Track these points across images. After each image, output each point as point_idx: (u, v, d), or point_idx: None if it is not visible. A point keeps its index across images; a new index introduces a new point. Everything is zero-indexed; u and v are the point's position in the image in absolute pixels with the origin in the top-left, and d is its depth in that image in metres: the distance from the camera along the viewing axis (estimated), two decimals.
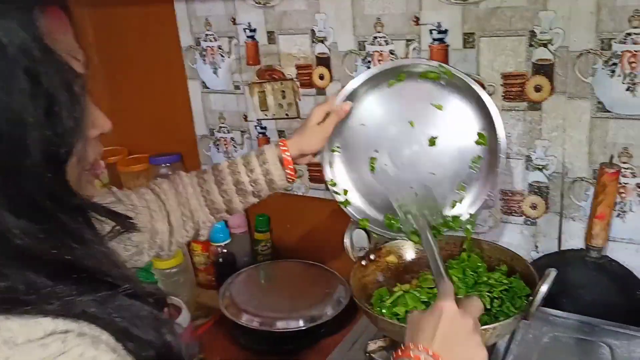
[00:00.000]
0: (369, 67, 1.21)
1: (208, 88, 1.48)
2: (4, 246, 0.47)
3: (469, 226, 1.00)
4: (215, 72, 1.45)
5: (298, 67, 1.32)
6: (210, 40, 1.42)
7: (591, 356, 0.94)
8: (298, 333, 1.22)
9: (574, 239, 1.09)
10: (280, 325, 1.23)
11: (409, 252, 1.11)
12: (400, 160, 1.01)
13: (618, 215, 1.04)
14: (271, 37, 1.33)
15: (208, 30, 1.42)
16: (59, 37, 0.51)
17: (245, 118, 1.45)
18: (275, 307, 1.27)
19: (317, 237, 1.46)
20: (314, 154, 1.02)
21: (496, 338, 0.88)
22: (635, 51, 0.95)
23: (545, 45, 1.02)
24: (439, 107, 0.98)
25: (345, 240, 1.07)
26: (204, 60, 1.45)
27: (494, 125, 0.93)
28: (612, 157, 0.99)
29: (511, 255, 1.03)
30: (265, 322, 1.23)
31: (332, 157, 1.06)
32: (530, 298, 0.86)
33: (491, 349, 0.97)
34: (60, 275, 0.48)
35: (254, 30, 1.35)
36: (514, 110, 1.08)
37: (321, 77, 1.30)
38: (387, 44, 1.18)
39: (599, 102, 1.00)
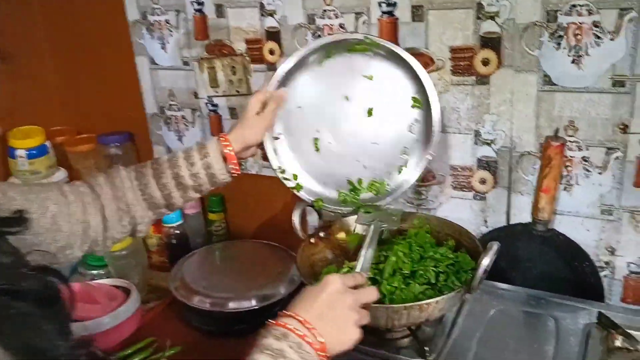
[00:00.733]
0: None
1: (156, 64, 1.43)
2: None
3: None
4: (163, 48, 1.40)
5: (248, 41, 1.28)
6: (158, 14, 1.37)
7: (537, 328, 0.95)
8: (251, 313, 1.21)
9: (522, 213, 1.09)
10: (233, 305, 1.20)
11: (360, 229, 1.10)
12: (342, 136, 1.01)
13: (565, 189, 1.04)
14: (220, 10, 1.28)
15: (155, 3, 1.36)
16: None
17: (196, 95, 1.40)
18: (228, 287, 1.25)
19: (272, 216, 1.44)
20: (258, 145, 1.00)
21: (440, 312, 0.88)
22: (581, 23, 0.94)
23: (492, 18, 1.01)
24: (370, 78, 1.00)
25: (293, 219, 1.06)
26: (152, 35, 1.40)
27: (425, 88, 0.98)
28: (557, 129, 0.99)
29: (459, 230, 1.03)
30: (217, 302, 1.21)
31: (276, 144, 1.04)
32: (474, 271, 0.86)
33: (438, 323, 0.97)
34: None
35: (201, 4, 1.30)
36: (463, 84, 1.07)
37: (271, 52, 1.26)
38: (336, 17, 1.15)
39: (546, 75, 1.00)
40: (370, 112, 1.00)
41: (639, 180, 0.98)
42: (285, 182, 1.05)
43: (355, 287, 0.76)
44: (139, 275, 1.39)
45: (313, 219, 1.30)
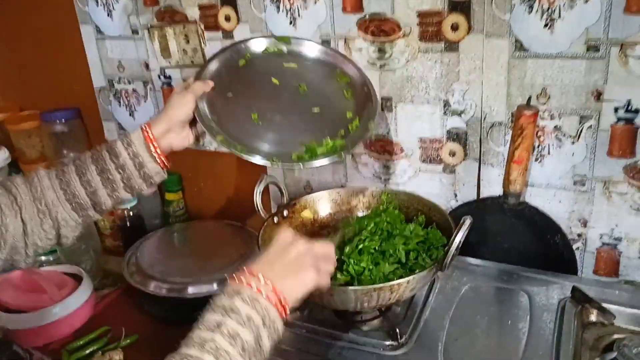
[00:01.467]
0: (278, 8, 1.10)
1: (103, 33, 1.32)
2: None
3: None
4: (109, 15, 1.29)
5: (201, 7, 1.19)
6: None
7: (510, 304, 0.92)
8: (210, 298, 1.14)
9: (493, 186, 1.06)
10: (192, 290, 1.13)
11: (325, 206, 1.05)
12: (279, 110, 0.95)
13: (536, 160, 1.00)
14: None
15: None
16: None
17: (147, 67, 1.31)
18: (187, 271, 1.18)
19: (232, 194, 1.37)
20: (192, 126, 0.91)
21: (411, 292, 0.83)
22: None
23: None
24: (293, 67, 1.00)
25: (255, 198, 0.99)
26: (96, 1, 1.29)
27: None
28: (529, 98, 0.94)
29: (429, 205, 0.98)
30: (174, 288, 1.14)
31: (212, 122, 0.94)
32: (446, 248, 0.82)
33: (409, 302, 0.93)
34: None
35: None
36: (431, 52, 1.01)
37: (227, 19, 1.17)
38: None
39: (517, 41, 0.95)
40: (303, 88, 0.97)
41: (612, 149, 0.94)
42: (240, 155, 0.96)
43: None
44: (91, 261, 1.30)
45: (276, 197, 1.23)
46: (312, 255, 0.71)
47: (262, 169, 1.09)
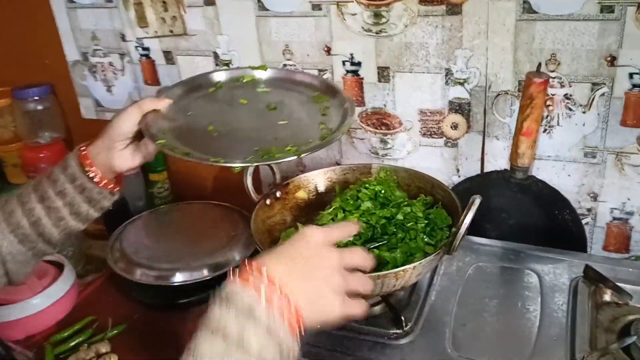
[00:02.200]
0: None
1: (74, 2, 1.22)
2: None
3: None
4: None
5: None
6: None
7: (519, 285, 0.87)
8: (201, 284, 1.08)
9: (498, 160, 1.00)
10: (181, 277, 1.07)
11: (320, 184, 0.98)
12: (240, 123, 0.87)
13: (545, 131, 0.94)
14: None
15: None
16: None
17: (123, 37, 1.21)
18: (175, 256, 1.11)
19: (220, 174, 1.30)
20: (141, 146, 0.83)
21: (417, 277, 0.78)
22: None
23: None
24: (266, 91, 0.93)
25: (245, 179, 0.92)
26: None
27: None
28: (539, 64, 0.88)
29: (431, 182, 0.92)
30: (162, 275, 1.07)
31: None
32: (454, 230, 0.76)
33: (413, 286, 0.87)
34: None
35: None
36: (431, 15, 0.94)
37: None
38: None
39: (525, 2, 0.87)
40: (272, 107, 0.89)
41: (626, 118, 0.89)
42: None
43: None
44: (73, 247, 1.23)
45: (268, 177, 1.16)
46: (343, 273, 0.58)
47: None
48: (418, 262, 0.73)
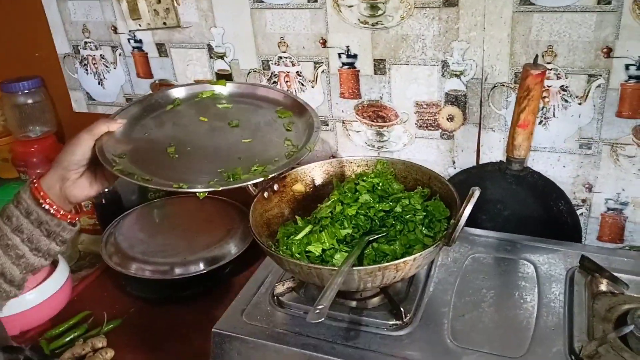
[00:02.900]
0: None
1: None
2: None
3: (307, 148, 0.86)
4: None
5: None
6: None
7: (516, 275, 0.88)
8: (198, 277, 1.08)
9: (494, 152, 1.00)
10: (178, 271, 1.07)
11: (318, 177, 0.98)
12: (202, 143, 0.85)
13: (540, 123, 0.95)
14: None
15: None
16: None
17: (115, 30, 1.20)
18: (170, 250, 1.11)
19: None
20: (98, 174, 0.81)
21: (417, 269, 0.78)
22: None
23: None
24: (227, 107, 0.92)
25: None
26: None
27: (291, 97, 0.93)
28: (537, 56, 0.88)
29: (428, 174, 0.92)
30: (158, 269, 1.07)
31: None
32: (453, 222, 0.76)
33: (412, 277, 0.88)
34: None
35: None
36: (428, 7, 0.93)
37: None
38: None
39: None
40: (234, 124, 0.87)
41: (622, 109, 0.89)
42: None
43: None
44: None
45: None
46: None
47: None
48: (418, 254, 0.73)
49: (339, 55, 1.04)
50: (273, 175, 0.76)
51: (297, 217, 0.90)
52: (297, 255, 0.81)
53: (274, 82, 1.10)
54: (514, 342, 0.75)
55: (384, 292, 0.84)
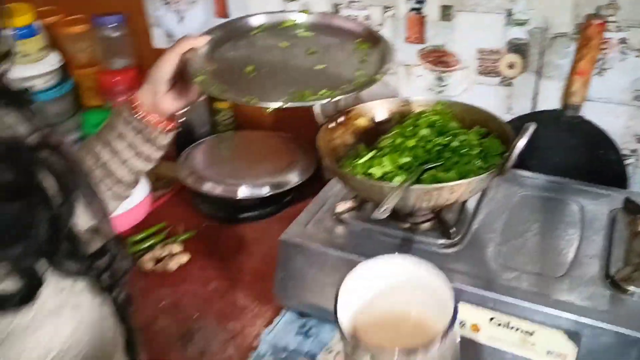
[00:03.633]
0: None
1: None
2: None
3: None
4: None
5: None
6: None
7: (561, 213, 0.94)
8: (262, 200, 1.19)
9: (550, 100, 1.05)
10: (244, 192, 1.18)
11: (380, 113, 1.06)
12: (278, 66, 0.90)
13: (598, 73, 1.00)
14: None
15: None
16: None
17: None
18: (238, 175, 1.22)
19: None
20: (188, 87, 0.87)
21: (470, 194, 0.86)
22: None
23: None
24: (308, 36, 0.95)
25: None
26: None
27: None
28: (599, 7, 0.92)
29: (485, 115, 0.98)
30: (227, 189, 1.19)
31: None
32: (506, 154, 0.83)
33: (461, 208, 0.95)
34: None
35: None
36: None
37: None
38: None
39: None
40: (312, 52, 0.92)
41: None
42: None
43: None
44: None
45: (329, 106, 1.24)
46: None
47: None
48: (472, 178, 0.81)
49: (407, 0, 1.10)
50: (338, 98, 0.83)
51: (361, 145, 0.99)
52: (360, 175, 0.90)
53: None
54: (554, 265, 0.82)
55: (437, 215, 0.92)
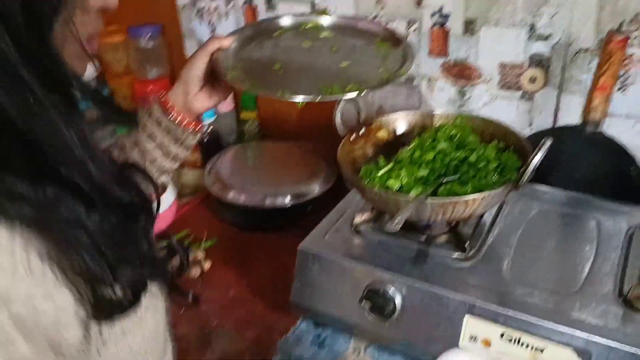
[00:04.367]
0: None
1: None
2: None
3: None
4: None
5: None
6: None
7: (577, 228, 0.94)
8: (284, 209, 1.22)
9: (571, 115, 1.05)
10: (267, 201, 1.21)
11: (401, 125, 1.07)
12: (304, 63, 0.92)
13: (619, 89, 0.99)
14: None
15: None
16: None
17: None
18: (262, 184, 1.25)
19: (306, 116, 1.41)
20: (218, 86, 0.90)
21: (485, 208, 0.87)
22: None
23: None
24: (329, 36, 0.97)
25: (335, 115, 1.02)
26: None
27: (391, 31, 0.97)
28: (622, 22, 0.92)
29: (504, 130, 0.99)
30: (251, 198, 1.22)
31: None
32: (522, 169, 0.84)
33: (477, 222, 0.96)
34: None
35: None
36: None
37: None
38: None
39: None
40: (335, 50, 0.94)
41: None
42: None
43: None
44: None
45: (347, 120, 1.27)
46: None
47: None
48: (487, 192, 0.82)
49: (432, 15, 1.11)
50: (365, 92, 0.84)
51: (379, 157, 1.01)
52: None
53: None
54: (567, 281, 0.82)
55: (453, 228, 0.94)
